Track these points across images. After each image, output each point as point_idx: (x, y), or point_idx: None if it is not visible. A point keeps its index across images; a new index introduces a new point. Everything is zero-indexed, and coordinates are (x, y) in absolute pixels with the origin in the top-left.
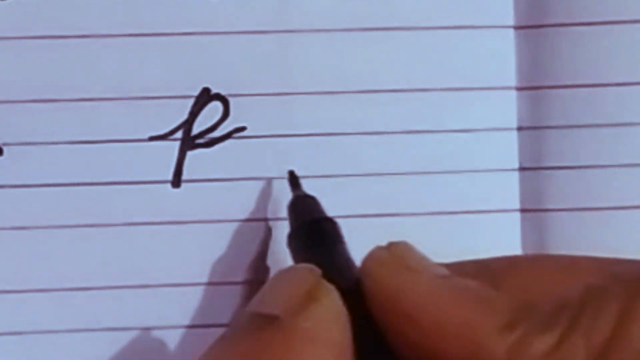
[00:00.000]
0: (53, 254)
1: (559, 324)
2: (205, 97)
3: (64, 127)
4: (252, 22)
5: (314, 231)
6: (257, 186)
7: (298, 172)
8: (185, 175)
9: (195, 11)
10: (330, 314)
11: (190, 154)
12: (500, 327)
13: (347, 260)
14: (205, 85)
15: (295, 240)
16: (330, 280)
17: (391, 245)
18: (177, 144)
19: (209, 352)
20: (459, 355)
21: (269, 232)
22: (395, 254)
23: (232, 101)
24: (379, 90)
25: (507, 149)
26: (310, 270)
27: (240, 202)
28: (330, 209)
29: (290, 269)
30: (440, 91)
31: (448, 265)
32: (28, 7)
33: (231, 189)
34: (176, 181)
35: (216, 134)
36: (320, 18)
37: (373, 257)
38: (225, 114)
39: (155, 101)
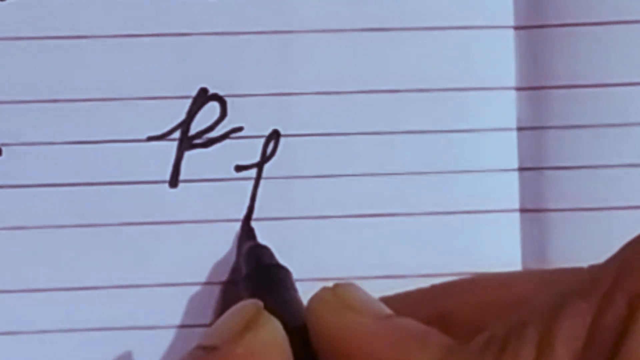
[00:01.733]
0: (51, 254)
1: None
2: (202, 97)
3: (62, 127)
4: (250, 22)
5: (266, 276)
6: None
7: (296, 172)
8: (182, 176)
9: (193, 11)
10: (266, 340)
11: (187, 154)
12: None
13: (297, 304)
14: (203, 85)
15: (248, 284)
16: (279, 319)
17: (336, 286)
18: (175, 144)
19: None
20: None
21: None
22: (339, 295)
23: (229, 101)
24: (378, 90)
25: (507, 149)
26: (253, 304)
27: (237, 202)
28: (328, 208)
29: (237, 304)
30: (440, 91)
31: (394, 298)
32: (27, 7)
33: (228, 188)
34: (174, 181)
35: (214, 134)
36: (319, 18)
37: (318, 297)
38: (223, 115)
39: (153, 101)
